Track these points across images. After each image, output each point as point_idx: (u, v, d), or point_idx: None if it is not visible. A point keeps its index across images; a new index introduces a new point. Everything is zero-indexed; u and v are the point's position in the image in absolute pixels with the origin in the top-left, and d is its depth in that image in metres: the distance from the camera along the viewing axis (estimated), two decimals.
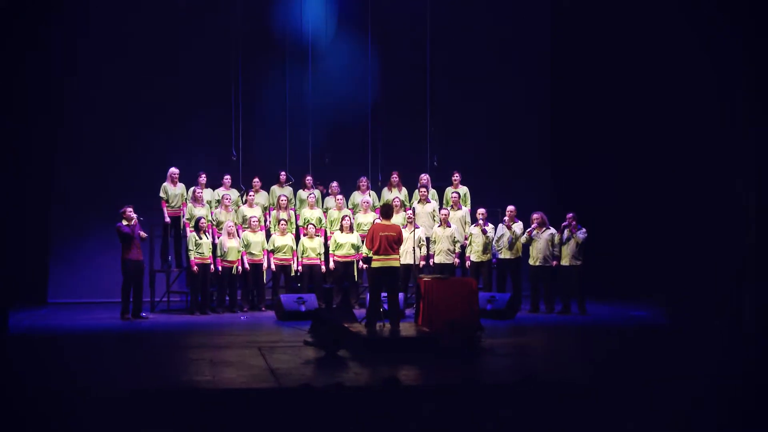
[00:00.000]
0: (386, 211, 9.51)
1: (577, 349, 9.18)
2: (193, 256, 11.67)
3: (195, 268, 11.66)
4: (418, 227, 11.81)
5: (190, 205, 12.15)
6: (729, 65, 11.53)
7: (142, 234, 11.27)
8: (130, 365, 7.99)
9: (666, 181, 13.50)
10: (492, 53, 15.06)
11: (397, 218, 11.99)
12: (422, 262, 11.90)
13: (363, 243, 12.16)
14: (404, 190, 12.96)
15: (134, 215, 11.19)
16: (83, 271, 13.64)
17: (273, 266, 12.25)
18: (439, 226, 12.09)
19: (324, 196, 13.04)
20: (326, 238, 12.53)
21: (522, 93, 15.20)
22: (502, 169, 14.99)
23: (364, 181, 13.01)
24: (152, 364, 8.03)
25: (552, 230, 11.95)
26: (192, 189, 12.31)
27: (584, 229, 11.84)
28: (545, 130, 15.31)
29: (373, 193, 13.03)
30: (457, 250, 12.02)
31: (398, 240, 9.25)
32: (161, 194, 12.22)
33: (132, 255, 11.13)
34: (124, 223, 11.15)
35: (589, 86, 14.55)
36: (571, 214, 11.92)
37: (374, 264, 9.25)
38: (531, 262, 12.01)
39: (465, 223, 12.39)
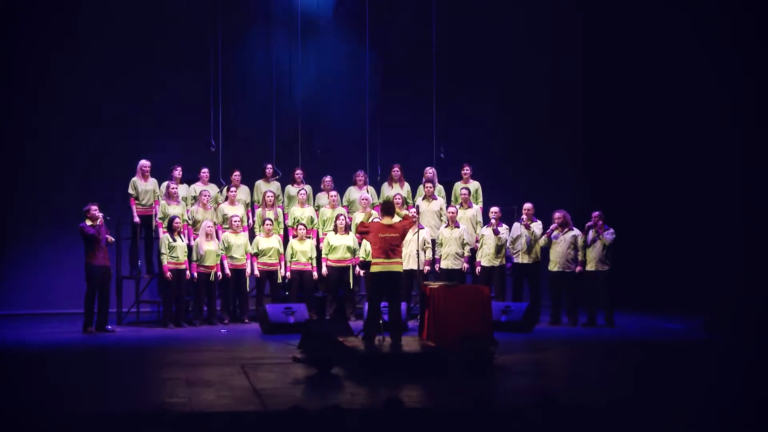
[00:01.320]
0: (387, 208, 9.52)
1: (604, 368, 9.19)
2: (166, 260, 11.67)
3: (168, 274, 11.67)
4: (422, 227, 11.82)
5: (163, 202, 12.16)
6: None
7: (109, 238, 11.27)
8: (94, 386, 7.97)
9: (702, 178, 13.65)
10: (509, 29, 15.05)
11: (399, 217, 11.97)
12: (427, 268, 11.92)
13: (359, 246, 12.20)
14: (407, 186, 12.97)
15: (100, 214, 11.20)
16: (38, 279, 13.64)
17: (257, 272, 12.27)
18: (446, 226, 12.11)
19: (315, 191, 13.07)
20: (318, 240, 12.54)
21: (545, 76, 15.21)
22: (518, 162, 15.01)
23: (361, 176, 13.01)
24: (119, 384, 8.02)
25: (575, 231, 11.96)
26: (165, 184, 12.32)
27: (612, 230, 11.84)
28: (569, 119, 15.32)
29: (371, 188, 13.04)
30: (467, 253, 12.05)
31: (401, 240, 9.27)
32: (130, 191, 12.22)
33: (97, 260, 11.15)
34: (89, 223, 11.15)
35: (624, 69, 14.59)
36: (596, 213, 11.92)
37: (373, 269, 9.25)
38: (550, 267, 12.01)
39: (476, 223, 12.40)
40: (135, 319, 12.45)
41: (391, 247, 9.20)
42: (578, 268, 11.88)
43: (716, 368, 8.93)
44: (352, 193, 12.91)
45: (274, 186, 12.86)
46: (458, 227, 12.02)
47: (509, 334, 10.94)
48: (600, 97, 14.92)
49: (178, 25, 14.13)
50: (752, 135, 13.17)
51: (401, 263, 9.37)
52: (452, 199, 12.76)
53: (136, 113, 14.00)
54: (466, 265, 12.02)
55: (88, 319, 11.21)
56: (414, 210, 11.92)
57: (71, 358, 9.59)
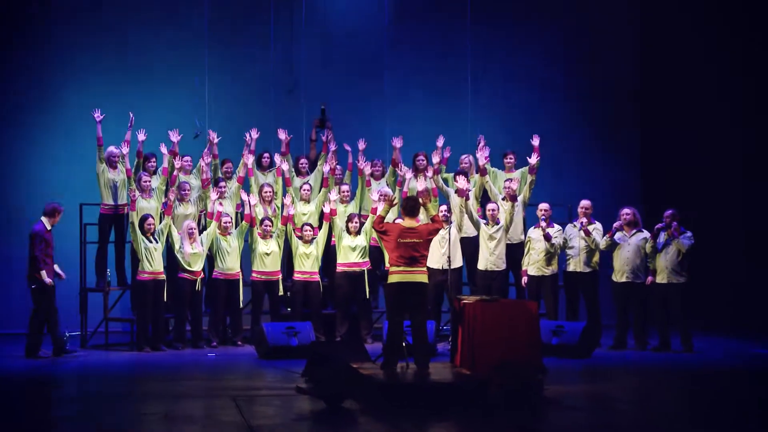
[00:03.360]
0: (410, 208, 9.49)
1: (680, 402, 9.14)
2: (141, 268, 11.72)
3: (144, 284, 11.71)
4: (452, 224, 11.82)
5: (139, 199, 12.13)
6: None
7: (60, 273, 11.42)
8: (56, 422, 8.01)
9: None
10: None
11: (423, 216, 11.94)
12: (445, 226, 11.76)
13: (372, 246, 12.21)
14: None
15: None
16: None
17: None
18: (485, 223, 12.06)
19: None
20: (328, 243, 12.54)
21: (602, 44, 15.19)
22: (573, 149, 14.98)
23: (378, 165, 13.02)
24: (85, 420, 8.04)
25: (646, 234, 11.91)
26: (138, 177, 12.34)
27: (689, 233, 11.77)
28: (629, 101, 15.29)
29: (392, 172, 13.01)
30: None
31: (426, 246, 9.25)
32: (101, 187, 12.27)
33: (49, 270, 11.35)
34: (48, 225, 11.28)
35: (688, 47, 14.57)
36: (670, 212, 11.86)
37: (392, 279, 9.24)
38: (614, 277, 11.97)
39: (521, 219, 12.38)
40: (103, 341, 12.47)
41: (413, 255, 9.17)
42: (649, 279, 11.82)
43: None
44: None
45: (273, 178, 12.85)
46: (498, 224, 11.97)
47: (562, 359, 10.92)
48: (664, 77, 14.91)
49: None
50: None
51: (426, 273, 9.33)
52: (491, 193, 12.68)
53: (104, 93, 14.01)
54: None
55: (35, 341, 11.32)
56: (444, 207, 11.95)
57: (25, 388, 9.62)
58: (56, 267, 11.52)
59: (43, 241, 11.29)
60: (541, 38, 15.04)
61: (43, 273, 11.24)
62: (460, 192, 11.90)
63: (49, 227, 11.36)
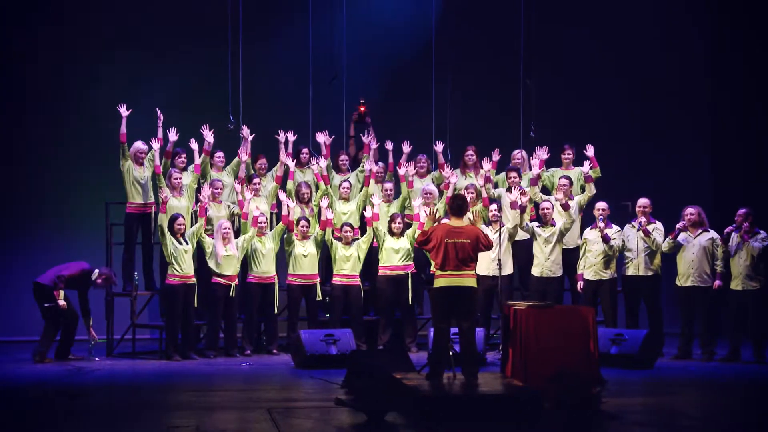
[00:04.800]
0: (457, 206, 9.48)
1: (750, 418, 9.06)
2: (170, 271, 11.83)
3: (173, 288, 11.80)
4: (504, 226, 11.81)
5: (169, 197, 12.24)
6: None
7: (60, 302, 11.70)
8: None
9: None
10: None
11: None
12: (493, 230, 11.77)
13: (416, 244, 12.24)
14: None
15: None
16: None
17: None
18: (539, 225, 12.05)
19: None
20: (371, 245, 12.56)
21: (668, 27, 15.13)
22: (634, 142, 14.89)
23: (423, 161, 13.02)
24: None
25: (712, 234, 11.83)
26: (168, 173, 12.43)
27: (764, 234, 11.68)
28: (701, 83, 15.17)
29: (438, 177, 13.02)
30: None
31: (474, 248, 9.22)
32: (127, 185, 12.38)
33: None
34: (93, 277, 11.86)
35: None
36: (743, 211, 11.76)
37: (438, 283, 9.24)
38: (679, 281, 11.91)
39: (578, 218, 12.36)
40: (130, 349, 12.59)
41: (460, 257, 9.16)
42: (717, 283, 11.74)
43: None
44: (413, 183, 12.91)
45: (311, 175, 12.87)
46: (554, 225, 11.95)
47: (622, 370, 10.87)
48: (737, 64, 14.78)
49: None
50: None
51: (474, 277, 9.32)
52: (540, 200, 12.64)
53: (127, 84, 14.16)
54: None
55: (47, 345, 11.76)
56: (494, 206, 11.94)
57: (49, 398, 9.72)
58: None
59: (81, 283, 11.81)
60: (604, 19, 14.99)
61: (61, 293, 11.50)
62: (513, 205, 11.85)
63: (92, 279, 11.83)
